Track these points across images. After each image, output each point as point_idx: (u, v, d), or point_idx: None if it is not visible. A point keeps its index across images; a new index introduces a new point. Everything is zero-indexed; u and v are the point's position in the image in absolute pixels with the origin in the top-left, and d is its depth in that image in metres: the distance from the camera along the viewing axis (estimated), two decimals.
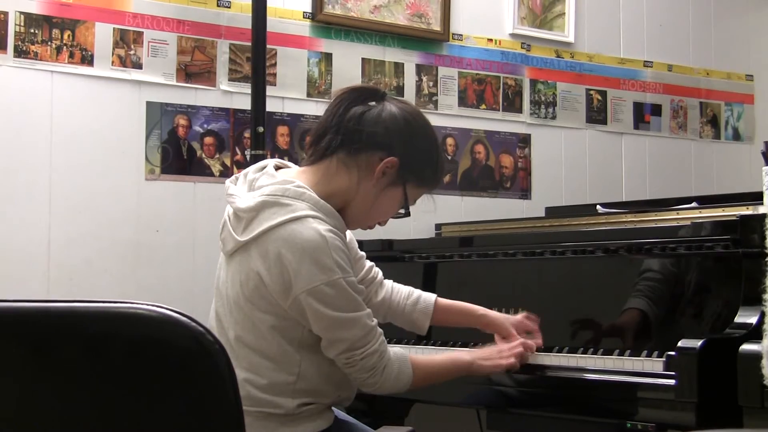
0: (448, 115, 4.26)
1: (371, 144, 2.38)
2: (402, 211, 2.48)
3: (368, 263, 2.75)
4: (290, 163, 2.51)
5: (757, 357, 1.91)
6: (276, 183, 2.33)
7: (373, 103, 2.42)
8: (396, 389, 2.40)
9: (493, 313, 2.78)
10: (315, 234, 2.23)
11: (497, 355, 2.64)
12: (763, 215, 2.44)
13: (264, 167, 2.43)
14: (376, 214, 2.47)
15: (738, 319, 2.42)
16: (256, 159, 3.53)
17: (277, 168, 2.44)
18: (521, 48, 4.49)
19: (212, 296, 2.50)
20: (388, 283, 2.80)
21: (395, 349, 2.41)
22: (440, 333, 3.05)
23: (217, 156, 3.79)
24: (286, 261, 2.22)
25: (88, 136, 3.56)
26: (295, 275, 2.22)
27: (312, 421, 2.33)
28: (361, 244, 2.73)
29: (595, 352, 2.66)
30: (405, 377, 2.40)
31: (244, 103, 3.74)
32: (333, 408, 2.42)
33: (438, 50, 4.28)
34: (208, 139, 3.77)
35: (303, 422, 2.31)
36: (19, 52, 3.46)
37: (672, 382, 2.33)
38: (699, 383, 2.27)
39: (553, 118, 4.56)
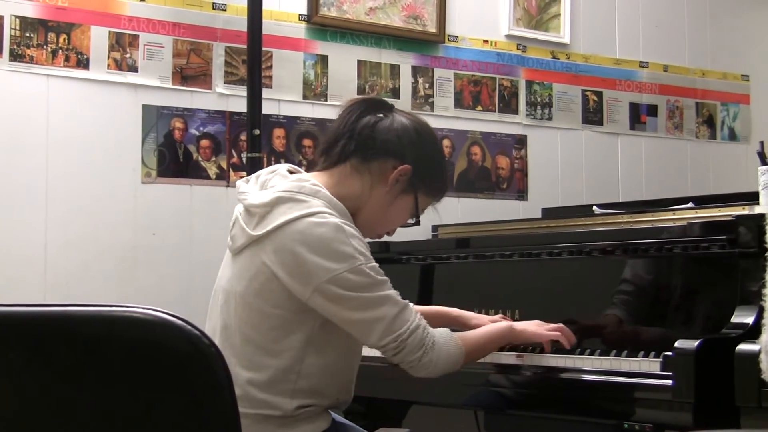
0: (444, 117, 4.26)
1: (385, 152, 2.43)
2: (412, 220, 2.53)
3: None
4: (301, 169, 2.53)
5: (754, 357, 1.91)
6: (292, 181, 2.37)
7: (382, 114, 2.47)
8: (450, 365, 2.39)
9: (468, 314, 2.79)
10: (332, 224, 2.26)
11: (536, 327, 2.66)
12: (761, 215, 2.45)
13: (275, 170, 2.46)
14: (387, 222, 2.51)
15: (734, 319, 2.42)
16: (252, 161, 3.53)
17: (290, 172, 2.46)
18: (517, 49, 4.49)
19: (209, 298, 2.50)
20: None
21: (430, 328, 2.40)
22: None
23: (214, 159, 3.79)
24: (305, 253, 2.23)
25: (84, 139, 3.56)
26: (315, 266, 2.23)
27: (310, 423, 2.33)
28: None
29: (592, 353, 2.66)
30: (455, 349, 2.40)
31: (240, 105, 3.74)
32: (330, 411, 2.42)
33: (434, 52, 4.29)
34: (204, 142, 3.77)
35: (301, 425, 2.31)
36: (15, 56, 3.45)
37: (669, 382, 2.33)
38: (696, 383, 2.27)
39: (549, 119, 4.56)
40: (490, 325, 2.64)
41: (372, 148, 2.42)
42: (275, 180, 2.41)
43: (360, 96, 2.57)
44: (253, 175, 2.48)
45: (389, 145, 2.43)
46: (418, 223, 2.54)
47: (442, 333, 2.40)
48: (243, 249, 2.34)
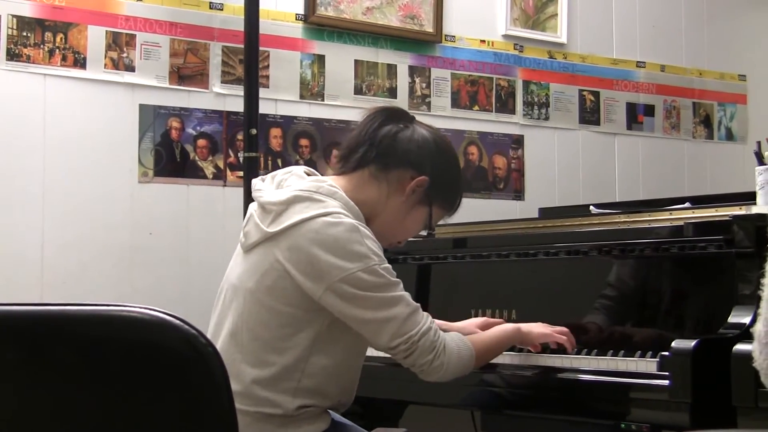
0: (440, 117, 4.26)
1: (404, 162, 2.46)
2: (424, 231, 2.56)
3: None
4: (317, 172, 2.53)
5: (751, 357, 1.91)
6: (310, 181, 2.39)
7: (402, 124, 2.50)
8: (461, 368, 2.40)
9: (458, 325, 2.79)
10: (347, 224, 2.28)
11: (542, 328, 2.67)
12: (758, 215, 2.45)
13: (291, 171, 2.48)
14: (401, 231, 2.53)
15: (731, 319, 2.42)
16: (249, 161, 3.53)
17: (306, 174, 2.47)
18: (514, 49, 4.49)
19: (207, 297, 2.50)
20: None
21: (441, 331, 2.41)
22: None
23: (210, 158, 3.79)
24: (319, 252, 2.25)
25: (81, 139, 3.56)
26: (329, 265, 2.24)
27: (310, 423, 2.33)
28: None
29: (588, 353, 2.66)
30: (466, 352, 2.40)
31: (237, 105, 3.74)
32: (329, 411, 2.43)
33: (431, 51, 4.29)
34: (201, 142, 3.77)
35: (301, 424, 2.32)
36: (12, 56, 3.45)
37: (666, 382, 2.33)
38: (693, 383, 2.28)
39: (546, 119, 4.56)
40: (497, 327, 2.65)
41: (392, 157, 2.45)
42: (291, 180, 2.42)
43: (382, 105, 2.58)
44: (269, 175, 2.49)
45: (409, 155, 2.46)
46: (431, 235, 2.58)
47: (452, 336, 2.41)
48: (256, 246, 2.35)
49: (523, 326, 2.64)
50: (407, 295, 2.33)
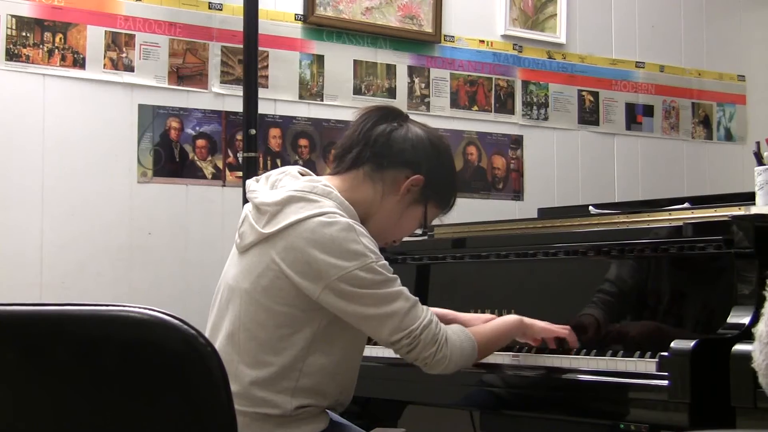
0: (440, 117, 4.26)
1: (399, 161, 2.46)
2: (419, 230, 2.57)
3: None
4: (311, 172, 2.54)
5: (749, 357, 1.91)
6: (304, 181, 2.39)
7: (396, 123, 2.50)
8: (464, 360, 2.40)
9: (465, 316, 2.80)
10: (343, 223, 2.28)
11: (544, 323, 2.67)
12: (757, 215, 2.45)
13: (285, 171, 2.48)
14: (396, 230, 2.53)
15: (730, 320, 2.42)
16: (248, 161, 3.53)
17: (301, 174, 2.47)
18: (513, 49, 4.49)
19: (206, 297, 2.50)
20: None
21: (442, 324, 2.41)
22: None
23: (210, 158, 3.79)
24: (315, 252, 2.25)
25: (80, 139, 3.56)
26: (326, 265, 2.25)
27: (308, 423, 2.33)
28: None
29: (587, 353, 2.66)
30: (468, 344, 2.41)
31: (236, 105, 3.74)
32: (327, 411, 2.43)
33: (430, 52, 4.29)
34: (200, 142, 3.77)
35: (299, 424, 2.32)
36: (11, 56, 3.45)
37: (665, 382, 2.33)
38: (692, 384, 2.27)
39: (545, 119, 4.56)
40: (499, 318, 2.65)
41: (387, 156, 2.45)
42: (286, 180, 2.42)
43: (376, 104, 2.58)
44: (263, 175, 2.49)
45: (404, 155, 2.46)
46: (425, 233, 2.57)
47: (454, 329, 2.42)
48: (251, 246, 2.35)
49: (525, 319, 2.64)
50: (405, 290, 2.33)
